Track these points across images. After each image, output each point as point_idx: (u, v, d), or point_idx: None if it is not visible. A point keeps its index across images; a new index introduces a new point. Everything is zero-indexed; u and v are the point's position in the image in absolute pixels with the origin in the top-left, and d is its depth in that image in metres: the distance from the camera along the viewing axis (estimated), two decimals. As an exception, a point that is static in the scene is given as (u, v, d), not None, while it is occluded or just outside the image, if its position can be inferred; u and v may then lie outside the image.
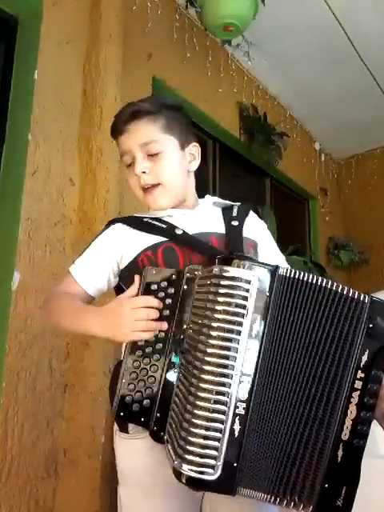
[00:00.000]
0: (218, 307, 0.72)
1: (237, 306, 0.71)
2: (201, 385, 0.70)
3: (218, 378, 0.70)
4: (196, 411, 0.70)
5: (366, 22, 2.54)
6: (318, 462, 0.72)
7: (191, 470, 0.69)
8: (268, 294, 0.73)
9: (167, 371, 0.81)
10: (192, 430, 0.70)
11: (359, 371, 0.73)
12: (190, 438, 0.70)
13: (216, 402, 0.69)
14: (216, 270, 0.74)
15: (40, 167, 1.60)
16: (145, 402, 0.81)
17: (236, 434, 0.70)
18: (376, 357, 0.73)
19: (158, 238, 0.95)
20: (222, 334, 0.71)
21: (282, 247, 1.13)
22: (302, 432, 0.73)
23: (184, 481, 0.70)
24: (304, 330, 0.73)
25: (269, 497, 0.72)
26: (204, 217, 1.02)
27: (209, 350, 0.71)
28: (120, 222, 1.02)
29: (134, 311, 0.82)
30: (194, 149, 1.05)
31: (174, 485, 0.72)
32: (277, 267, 0.74)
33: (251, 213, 1.08)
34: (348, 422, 0.72)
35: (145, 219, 1.00)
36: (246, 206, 1.07)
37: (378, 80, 3.05)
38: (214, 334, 0.71)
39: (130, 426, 0.89)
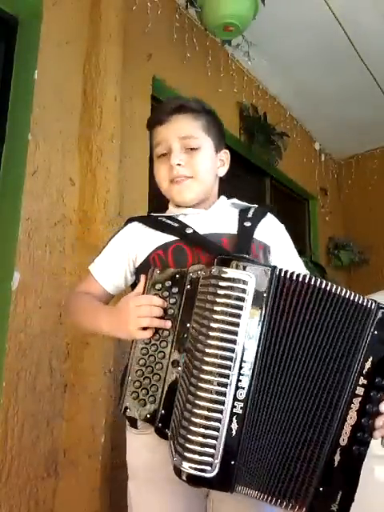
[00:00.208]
0: (217, 308, 0.73)
1: (234, 306, 0.72)
2: (200, 384, 0.71)
3: (216, 378, 0.71)
4: (195, 410, 0.71)
5: (366, 21, 2.54)
6: (314, 465, 0.72)
7: (190, 468, 0.70)
8: (265, 294, 0.73)
9: (171, 369, 0.82)
10: (191, 428, 0.71)
11: (361, 377, 0.73)
12: (189, 436, 0.71)
13: (214, 401, 0.70)
14: (214, 270, 0.75)
15: (40, 167, 1.60)
16: (150, 399, 0.83)
17: (234, 432, 0.70)
18: (380, 364, 0.73)
19: (170, 237, 0.97)
20: (220, 334, 0.72)
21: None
22: (300, 433, 0.73)
23: (184, 478, 0.72)
24: (304, 332, 0.73)
25: (265, 496, 0.73)
26: (218, 217, 1.03)
27: (207, 350, 0.72)
28: (136, 220, 1.05)
29: (137, 309, 0.84)
30: (225, 155, 1.09)
31: (180, 481, 0.73)
32: (274, 268, 0.74)
33: (269, 216, 1.07)
34: (347, 428, 0.72)
35: (159, 218, 1.02)
36: (263, 209, 1.08)
37: (378, 80, 3.05)
38: (212, 334, 0.72)
39: (139, 422, 0.91)
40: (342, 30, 2.60)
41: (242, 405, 0.71)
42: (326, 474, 0.72)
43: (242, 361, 0.71)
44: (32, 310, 1.50)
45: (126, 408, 0.84)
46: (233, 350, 0.71)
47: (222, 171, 1.09)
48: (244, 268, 0.73)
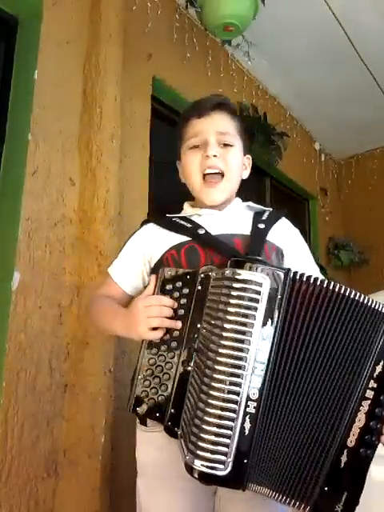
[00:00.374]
0: (231, 309, 0.74)
1: (248, 308, 0.73)
2: (213, 383, 0.72)
3: (229, 378, 0.72)
4: (208, 409, 0.72)
5: (366, 21, 2.54)
6: (321, 465, 0.73)
7: (203, 466, 0.71)
8: (279, 296, 0.74)
9: (182, 369, 0.83)
10: (204, 427, 0.72)
11: (372, 381, 0.73)
12: (201, 435, 0.72)
13: (227, 400, 0.71)
14: (228, 272, 0.76)
15: (40, 167, 1.60)
16: (159, 398, 0.84)
17: (247, 431, 0.71)
18: None
19: (183, 238, 0.98)
20: (233, 335, 0.73)
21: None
22: (310, 433, 0.74)
23: (196, 475, 0.73)
24: (317, 334, 0.74)
25: (274, 493, 0.74)
26: (231, 218, 1.05)
27: (221, 351, 0.73)
28: (151, 221, 1.07)
29: (147, 309, 0.85)
30: (248, 161, 1.14)
31: (189, 478, 0.74)
32: (289, 270, 0.75)
33: (283, 220, 1.09)
34: (355, 429, 0.73)
35: (173, 219, 1.04)
36: (278, 212, 1.10)
37: (378, 80, 3.05)
38: (226, 334, 0.73)
39: (148, 420, 0.91)
40: (342, 29, 2.60)
41: (255, 404, 0.72)
42: (333, 475, 0.72)
43: (255, 361, 0.72)
44: (32, 310, 1.50)
45: (135, 406, 0.85)
46: (246, 351, 0.72)
47: (245, 174, 1.13)
48: (258, 270, 0.74)
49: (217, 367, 0.72)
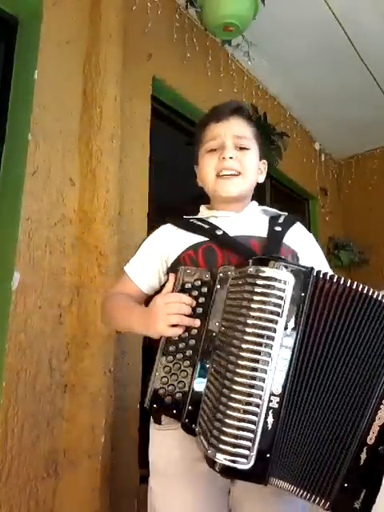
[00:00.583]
0: (254, 305, 0.74)
1: (273, 304, 0.74)
2: (236, 378, 0.73)
3: (252, 372, 0.73)
4: (231, 403, 0.73)
5: (366, 21, 2.54)
6: (342, 461, 0.73)
7: (226, 459, 0.71)
8: (303, 294, 0.75)
9: (200, 366, 0.84)
10: (227, 420, 0.72)
11: None
12: (224, 429, 0.72)
13: (251, 395, 0.72)
14: (251, 270, 0.77)
15: (40, 167, 1.60)
16: (177, 395, 0.84)
17: (269, 426, 0.72)
18: None
19: (200, 238, 1.00)
20: (257, 331, 0.74)
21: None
22: (331, 430, 0.75)
23: (217, 469, 0.73)
24: (340, 332, 0.75)
25: (295, 488, 0.74)
26: (248, 221, 1.07)
27: (244, 346, 0.74)
28: (169, 222, 1.09)
29: (166, 306, 0.86)
30: (263, 166, 1.16)
31: (204, 477, 0.75)
32: (312, 269, 0.76)
33: (298, 224, 1.11)
34: (375, 427, 0.73)
35: (191, 220, 1.06)
36: (293, 217, 1.12)
37: (378, 80, 3.04)
38: (249, 330, 0.74)
39: (163, 418, 0.92)
40: (342, 30, 2.60)
41: (278, 399, 0.73)
42: (352, 471, 0.73)
43: (278, 357, 0.73)
44: (32, 310, 1.50)
45: (152, 403, 0.85)
46: (270, 347, 0.73)
47: (261, 178, 1.15)
48: (282, 267, 0.75)
49: (240, 362, 0.73)
